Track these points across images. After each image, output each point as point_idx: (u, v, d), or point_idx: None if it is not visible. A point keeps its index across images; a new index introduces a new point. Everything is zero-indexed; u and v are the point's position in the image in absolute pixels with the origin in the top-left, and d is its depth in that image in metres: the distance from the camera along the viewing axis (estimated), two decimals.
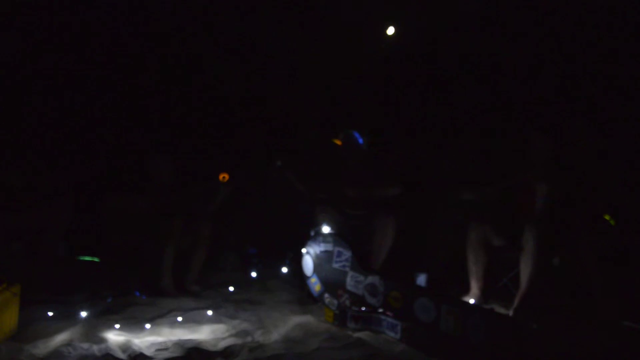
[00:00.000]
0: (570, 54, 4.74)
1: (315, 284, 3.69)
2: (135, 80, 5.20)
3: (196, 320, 3.52)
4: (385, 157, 4.77)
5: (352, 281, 3.56)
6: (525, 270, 3.66)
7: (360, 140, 4.41)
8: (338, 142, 4.50)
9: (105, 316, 3.48)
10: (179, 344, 3.08)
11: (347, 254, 3.61)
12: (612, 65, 4.51)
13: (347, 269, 3.59)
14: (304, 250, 3.76)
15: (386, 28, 5.38)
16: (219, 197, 4.38)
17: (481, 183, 4.13)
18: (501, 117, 4.96)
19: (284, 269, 4.49)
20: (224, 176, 4.34)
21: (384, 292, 3.38)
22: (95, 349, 2.94)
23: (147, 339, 3.18)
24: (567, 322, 3.40)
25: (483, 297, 3.94)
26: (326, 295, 3.63)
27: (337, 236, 3.69)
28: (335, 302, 3.58)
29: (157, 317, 3.54)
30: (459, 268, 4.07)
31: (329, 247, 3.68)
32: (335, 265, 3.64)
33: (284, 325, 3.48)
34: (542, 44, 4.90)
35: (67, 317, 3.38)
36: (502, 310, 3.71)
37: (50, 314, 3.39)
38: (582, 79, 4.67)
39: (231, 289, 4.23)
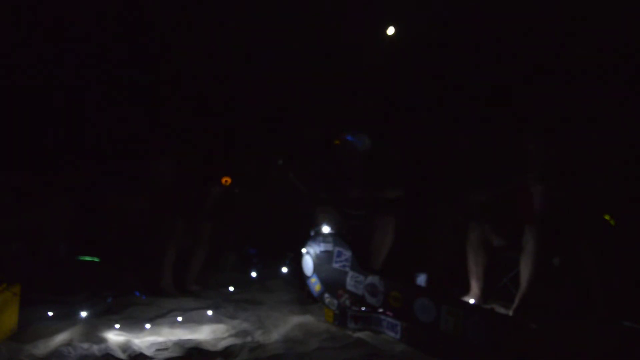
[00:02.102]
0: (569, 54, 4.74)
1: (315, 284, 3.69)
2: (137, 82, 5.20)
3: (196, 320, 3.52)
4: (386, 158, 4.76)
5: (352, 281, 3.56)
6: (525, 270, 3.66)
7: (359, 143, 4.40)
8: (337, 142, 4.50)
9: (105, 316, 3.49)
10: (179, 344, 3.08)
11: (347, 254, 3.61)
12: (610, 64, 4.51)
13: (347, 269, 3.59)
14: (304, 250, 3.76)
15: (386, 28, 5.38)
16: (210, 198, 4.38)
17: (488, 185, 4.12)
18: (499, 119, 4.96)
19: (284, 269, 4.49)
20: (226, 180, 4.35)
21: (384, 292, 3.38)
22: (95, 349, 2.94)
23: (147, 339, 3.18)
24: (567, 322, 3.40)
25: (483, 297, 3.94)
26: (326, 295, 3.63)
27: (337, 236, 3.69)
28: (335, 302, 3.57)
29: (157, 317, 3.54)
30: (459, 268, 4.07)
31: (329, 247, 3.67)
32: (335, 265, 3.64)
33: (284, 325, 3.48)
34: (540, 44, 4.89)
35: (67, 317, 3.38)
36: (502, 310, 3.71)
37: (50, 314, 3.39)
38: (580, 79, 4.67)
39: (231, 289, 4.24)
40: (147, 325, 3.37)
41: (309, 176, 4.58)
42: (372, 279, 3.46)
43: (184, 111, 5.38)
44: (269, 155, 5.06)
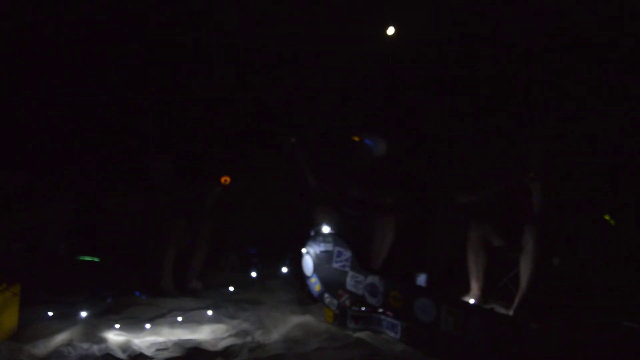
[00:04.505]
0: (567, 54, 4.74)
1: (315, 284, 3.69)
2: (137, 82, 5.19)
3: (196, 320, 3.52)
4: (387, 161, 4.75)
5: (352, 281, 3.56)
6: (525, 270, 3.66)
7: (375, 148, 4.40)
8: (356, 139, 4.47)
9: (105, 316, 3.49)
10: (179, 344, 3.08)
11: (347, 254, 3.61)
12: (609, 64, 4.51)
13: (347, 269, 3.59)
14: (304, 250, 3.76)
15: (386, 28, 5.38)
16: (210, 198, 4.38)
17: (477, 186, 4.12)
18: (497, 119, 4.96)
19: (284, 269, 4.49)
20: (225, 179, 4.34)
21: (384, 292, 3.38)
22: (95, 349, 2.94)
23: (147, 339, 3.18)
24: (567, 322, 3.40)
25: (483, 297, 3.94)
26: (326, 295, 3.63)
27: (337, 236, 3.69)
28: (335, 302, 3.58)
29: (157, 317, 3.54)
30: (459, 268, 4.07)
31: (329, 247, 3.68)
32: (335, 265, 3.64)
33: (284, 325, 3.48)
34: (539, 45, 4.89)
35: (67, 317, 3.37)
36: (502, 310, 3.72)
37: (50, 314, 3.39)
38: (579, 79, 4.67)
39: (231, 289, 4.24)
40: (147, 325, 3.37)
41: (318, 165, 4.54)
42: (372, 279, 3.47)
43: (184, 111, 5.38)
44: (269, 155, 5.05)
